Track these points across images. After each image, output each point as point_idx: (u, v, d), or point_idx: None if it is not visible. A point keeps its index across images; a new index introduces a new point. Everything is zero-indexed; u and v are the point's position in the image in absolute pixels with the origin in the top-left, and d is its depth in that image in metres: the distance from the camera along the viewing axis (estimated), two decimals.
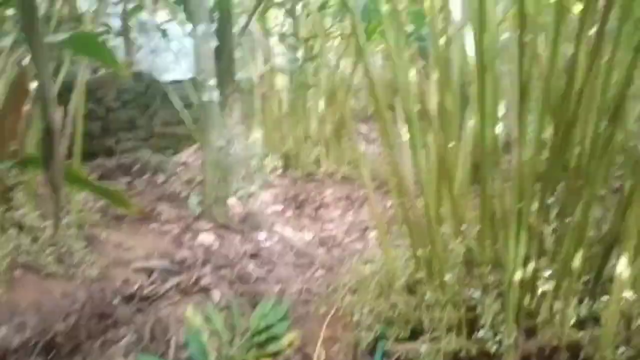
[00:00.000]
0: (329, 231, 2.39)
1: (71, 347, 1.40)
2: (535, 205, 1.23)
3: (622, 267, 1.15)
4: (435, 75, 1.51)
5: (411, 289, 1.42)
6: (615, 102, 1.12)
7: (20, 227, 1.84)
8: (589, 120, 1.21)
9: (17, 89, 1.05)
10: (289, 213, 2.57)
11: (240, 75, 3.10)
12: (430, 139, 1.45)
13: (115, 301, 1.62)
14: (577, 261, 1.23)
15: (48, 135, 0.84)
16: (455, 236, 1.38)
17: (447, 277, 1.29)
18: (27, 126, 1.08)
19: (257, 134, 3.07)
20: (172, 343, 1.50)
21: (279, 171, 2.94)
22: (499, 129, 1.28)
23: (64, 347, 1.39)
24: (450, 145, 1.41)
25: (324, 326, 1.58)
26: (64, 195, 1.85)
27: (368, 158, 2.43)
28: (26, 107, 1.06)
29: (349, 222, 2.46)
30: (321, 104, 3.14)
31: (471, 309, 1.27)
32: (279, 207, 2.61)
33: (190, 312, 1.63)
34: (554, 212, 1.26)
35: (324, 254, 2.18)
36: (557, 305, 1.21)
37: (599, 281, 1.26)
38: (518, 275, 1.22)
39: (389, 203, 1.55)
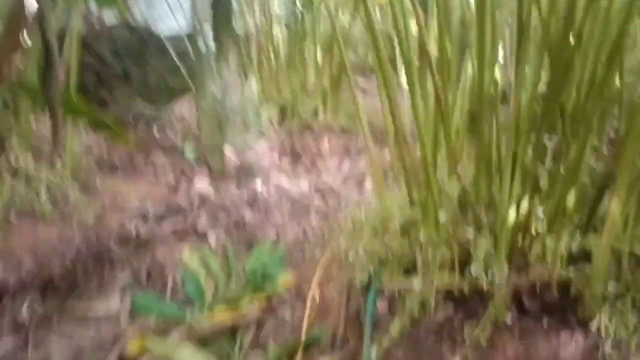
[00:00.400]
0: (325, 181, 2.39)
1: (68, 286, 1.42)
2: (531, 147, 1.23)
3: (614, 206, 1.16)
4: (434, 23, 1.48)
5: (405, 231, 1.43)
6: (613, 46, 1.10)
7: (15, 172, 1.84)
8: (587, 64, 1.19)
9: (16, 17, 1.02)
10: (285, 163, 2.57)
11: (237, 25, 3.04)
12: (429, 86, 1.43)
13: (111, 243, 1.63)
14: (570, 201, 1.25)
15: (46, 60, 0.82)
16: (451, 178, 1.38)
17: (441, 217, 1.29)
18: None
19: (253, 85, 3.04)
20: (169, 283, 1.52)
21: (276, 122, 2.92)
22: (497, 74, 1.27)
23: (61, 286, 1.41)
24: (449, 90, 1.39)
25: (319, 268, 1.60)
26: (62, 122, 1.84)
27: (366, 110, 2.41)
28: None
29: (345, 172, 2.47)
30: (319, 55, 3.09)
31: (464, 248, 1.29)
32: (275, 157, 2.60)
33: (187, 254, 1.65)
34: (549, 154, 1.26)
35: (319, 203, 2.19)
36: (549, 243, 1.22)
37: (591, 221, 1.27)
38: (511, 215, 1.23)
39: (386, 153, 1.55)
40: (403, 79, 1.39)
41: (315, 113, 2.95)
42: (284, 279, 1.59)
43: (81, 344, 1.24)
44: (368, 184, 2.29)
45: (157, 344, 1.24)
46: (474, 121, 1.32)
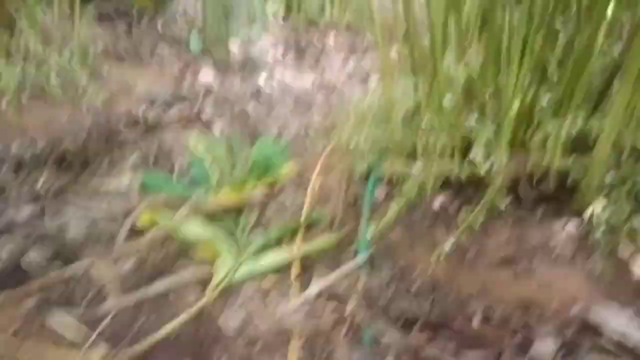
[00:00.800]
0: (329, 78, 2.38)
1: (80, 162, 1.46)
2: (542, 33, 1.21)
3: (620, 95, 1.16)
4: None
5: (408, 120, 1.45)
6: None
7: (25, 54, 1.83)
8: None
9: None
10: (290, 59, 2.53)
11: None
12: None
13: (120, 126, 1.66)
14: (577, 90, 1.25)
15: None
16: (458, 66, 1.37)
17: (445, 101, 1.30)
18: None
19: None
20: (176, 166, 1.57)
21: (281, 17, 2.85)
22: None
23: (74, 162, 1.45)
24: None
25: (321, 158, 1.64)
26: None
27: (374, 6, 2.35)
28: None
29: (350, 70, 2.44)
30: None
31: (466, 136, 1.31)
32: (280, 53, 2.57)
33: (194, 140, 1.68)
34: (561, 40, 1.25)
35: (323, 99, 2.19)
36: (551, 129, 1.23)
37: (596, 111, 1.27)
38: (516, 103, 1.24)
39: (394, 49, 1.53)
40: None
41: (322, 9, 2.87)
42: (287, 168, 1.63)
43: (95, 215, 1.30)
44: (372, 82, 2.27)
45: (167, 217, 1.30)
46: (486, 6, 1.29)
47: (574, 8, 1.19)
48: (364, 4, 2.61)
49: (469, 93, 1.35)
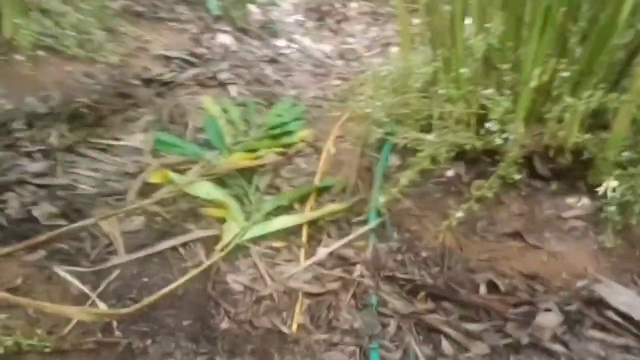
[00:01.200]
0: (349, 44, 2.35)
1: (94, 118, 1.47)
2: (565, 4, 1.17)
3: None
4: None
5: (425, 89, 1.43)
6: None
7: (43, 10, 1.82)
8: None
9: None
10: (310, 24, 2.50)
11: None
12: None
13: (136, 83, 1.65)
14: (598, 65, 1.21)
15: None
16: (478, 36, 1.34)
17: (463, 70, 1.28)
18: None
19: None
20: (190, 126, 1.57)
21: None
22: None
23: (87, 118, 1.46)
24: None
25: (336, 125, 1.63)
26: None
27: None
28: None
29: (371, 37, 2.40)
30: None
31: (483, 107, 1.28)
32: (300, 17, 2.53)
33: (209, 101, 1.68)
34: (584, 14, 1.21)
35: (342, 66, 2.17)
36: (569, 105, 1.21)
37: (615, 88, 1.24)
38: (535, 74, 1.21)
39: (416, 20, 1.50)
40: None
41: None
42: (302, 133, 1.62)
43: (106, 170, 1.31)
44: (393, 50, 2.24)
45: (178, 177, 1.31)
46: None
47: None
48: None
49: (488, 64, 1.32)
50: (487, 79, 1.32)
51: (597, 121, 1.27)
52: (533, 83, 1.23)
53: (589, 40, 1.21)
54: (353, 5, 2.62)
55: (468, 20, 1.37)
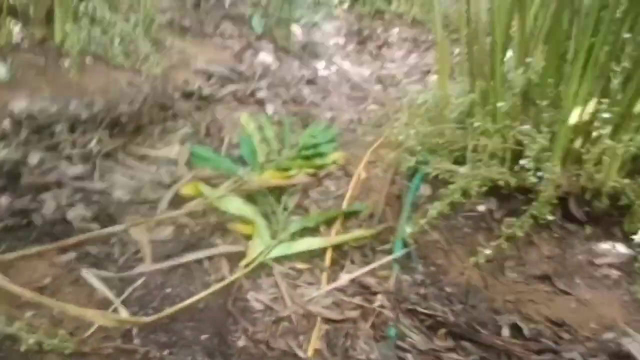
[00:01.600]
0: (388, 70, 2.35)
1: (134, 127, 1.51)
2: (609, 42, 1.15)
3: None
4: None
5: (462, 121, 1.41)
6: None
7: (93, 18, 1.89)
8: None
9: None
10: (350, 47, 2.52)
11: None
12: None
13: (176, 96, 1.69)
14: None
15: None
16: (518, 70, 1.33)
17: (501, 104, 1.27)
18: None
19: None
20: (226, 141, 1.59)
21: (347, 4, 2.83)
22: None
23: (127, 126, 1.50)
24: None
25: (369, 150, 1.63)
26: None
27: (442, 2, 2.30)
28: None
29: (411, 64, 2.40)
30: None
31: (519, 143, 1.27)
32: (341, 40, 2.56)
33: (245, 118, 1.71)
34: (628, 53, 1.18)
35: (379, 91, 2.17)
36: (608, 149, 1.18)
37: None
38: (575, 113, 1.19)
39: (456, 50, 1.50)
40: None
41: (389, 1, 2.83)
42: (334, 156, 1.63)
43: (141, 180, 1.34)
44: (432, 78, 2.23)
45: (209, 190, 1.32)
46: (553, 10, 1.24)
47: None
48: None
49: (526, 99, 1.31)
50: (524, 115, 1.30)
51: (637, 166, 1.24)
52: (572, 122, 1.21)
53: (632, 81, 1.18)
54: (395, 30, 2.63)
55: (509, 53, 1.36)
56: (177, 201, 1.29)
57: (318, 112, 1.94)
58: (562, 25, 1.22)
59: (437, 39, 1.48)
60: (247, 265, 1.13)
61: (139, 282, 1.06)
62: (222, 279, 1.10)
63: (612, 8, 1.12)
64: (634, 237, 1.20)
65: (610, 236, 1.25)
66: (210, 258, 1.15)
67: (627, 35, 1.12)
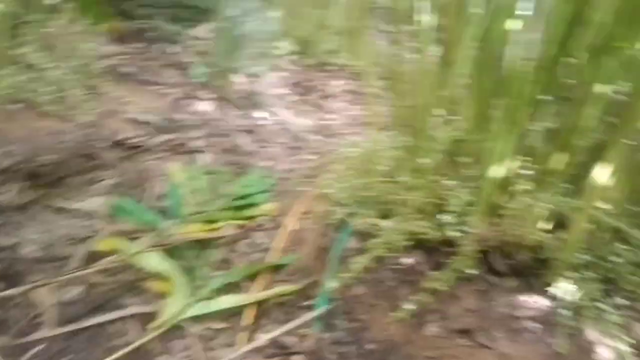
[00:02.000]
0: (329, 121, 2.37)
1: (56, 178, 1.45)
2: (529, 102, 1.19)
3: (598, 174, 1.13)
4: None
5: (390, 175, 1.42)
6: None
7: (28, 65, 1.85)
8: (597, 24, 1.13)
9: None
10: (293, 98, 2.54)
11: None
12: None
13: (104, 146, 1.65)
14: (559, 165, 1.22)
15: None
16: (444, 127, 1.35)
17: (426, 161, 1.28)
18: None
19: (275, 14, 2.97)
20: (153, 193, 1.55)
21: (291, 55, 2.88)
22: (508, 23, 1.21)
23: (50, 177, 1.44)
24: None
25: (301, 201, 1.61)
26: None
27: (383, 55, 2.37)
28: None
29: (351, 115, 2.43)
30: None
31: (444, 198, 1.28)
32: (284, 91, 2.57)
33: (176, 168, 1.67)
34: (548, 112, 1.23)
35: (318, 141, 2.18)
36: (529, 205, 1.20)
37: (576, 188, 1.24)
38: (497, 170, 1.21)
39: (383, 101, 1.54)
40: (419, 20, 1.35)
41: (333, 52, 2.89)
42: (267, 207, 1.61)
43: (55, 234, 1.28)
44: (371, 129, 2.26)
45: (127, 245, 1.27)
46: (476, 70, 1.28)
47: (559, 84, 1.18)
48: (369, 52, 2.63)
49: (451, 155, 1.33)
50: (449, 170, 1.32)
51: (560, 219, 1.26)
52: (494, 178, 1.23)
53: (552, 141, 1.22)
54: (338, 82, 2.67)
55: (436, 110, 1.39)
56: (92, 257, 1.23)
57: (254, 162, 1.92)
58: (485, 85, 1.25)
59: (366, 91, 1.50)
60: (158, 327, 1.08)
61: (38, 348, 0.99)
62: (130, 342, 1.03)
63: (526, 71, 1.16)
64: (553, 289, 1.20)
65: (532, 289, 1.25)
66: (119, 320, 1.09)
67: (541, 97, 1.17)
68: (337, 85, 2.65)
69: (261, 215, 1.57)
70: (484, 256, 1.27)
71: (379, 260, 1.28)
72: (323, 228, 1.48)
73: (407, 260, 1.32)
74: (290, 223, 1.51)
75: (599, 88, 1.15)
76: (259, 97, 2.40)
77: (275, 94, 2.53)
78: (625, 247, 1.21)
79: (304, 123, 2.30)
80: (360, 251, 1.33)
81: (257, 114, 2.29)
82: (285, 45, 2.91)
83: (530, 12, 1.19)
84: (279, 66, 2.77)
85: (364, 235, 1.38)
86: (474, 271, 1.20)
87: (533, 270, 1.27)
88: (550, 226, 1.23)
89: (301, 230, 1.50)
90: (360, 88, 2.66)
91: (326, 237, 1.45)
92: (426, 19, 1.30)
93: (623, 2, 1.07)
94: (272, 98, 2.46)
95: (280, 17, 3.04)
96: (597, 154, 1.23)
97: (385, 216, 1.34)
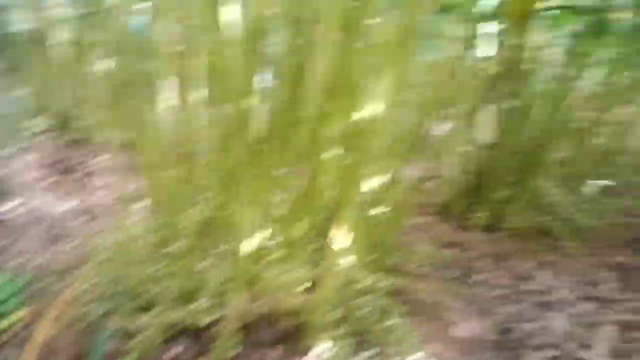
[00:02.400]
0: (96, 200, 2.22)
1: None
2: (268, 172, 1.25)
3: (337, 234, 1.23)
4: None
5: (146, 262, 1.37)
6: None
7: None
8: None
9: None
10: (53, 179, 2.33)
11: (13, 25, 2.73)
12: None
13: None
14: (304, 229, 1.30)
15: None
16: (195, 206, 1.35)
17: (177, 246, 1.26)
18: None
19: (26, 91, 2.73)
20: None
21: (49, 133, 2.66)
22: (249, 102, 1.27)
23: None
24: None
25: (56, 302, 1.46)
26: None
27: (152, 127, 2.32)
28: None
29: (119, 193, 2.31)
30: (108, 63, 2.88)
31: (200, 280, 1.26)
32: (41, 173, 2.35)
33: None
34: (286, 182, 1.30)
35: (83, 225, 2.02)
36: (282, 272, 1.25)
37: (322, 249, 1.33)
38: (247, 244, 1.24)
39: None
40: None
41: (96, 126, 2.74)
42: (19, 314, 1.42)
43: None
44: (141, 205, 2.17)
45: None
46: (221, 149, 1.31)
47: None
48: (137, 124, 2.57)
49: (204, 234, 1.33)
50: (203, 251, 1.32)
51: (313, 282, 1.33)
52: (246, 252, 1.26)
53: (293, 208, 1.29)
54: (105, 158, 2.53)
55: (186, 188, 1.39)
56: None
57: (3, 260, 1.70)
58: (228, 158, 1.28)
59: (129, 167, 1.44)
60: None
61: None
62: None
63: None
64: (315, 350, 1.26)
65: (296, 353, 1.30)
66: None
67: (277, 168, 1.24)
68: (101, 161, 2.51)
69: (13, 324, 1.38)
70: (250, 330, 1.29)
71: (145, 357, 1.20)
72: (80, 333, 1.35)
73: (173, 351, 1.27)
74: (42, 332, 1.35)
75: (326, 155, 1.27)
76: (8, 184, 2.15)
77: (30, 177, 2.30)
78: (369, 296, 1.34)
79: (64, 207, 2.11)
80: (122, 353, 1.24)
81: (6, 203, 2.04)
82: (40, 122, 2.68)
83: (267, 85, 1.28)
84: (34, 146, 2.53)
85: (125, 333, 1.29)
86: (237, 350, 1.20)
87: (297, 335, 1.32)
88: (303, 289, 1.30)
89: (56, 338, 1.34)
90: (128, 161, 2.56)
91: (84, 343, 1.32)
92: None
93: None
94: (25, 183, 2.22)
95: (34, 93, 2.81)
96: (334, 215, 1.35)
97: (145, 308, 1.28)
